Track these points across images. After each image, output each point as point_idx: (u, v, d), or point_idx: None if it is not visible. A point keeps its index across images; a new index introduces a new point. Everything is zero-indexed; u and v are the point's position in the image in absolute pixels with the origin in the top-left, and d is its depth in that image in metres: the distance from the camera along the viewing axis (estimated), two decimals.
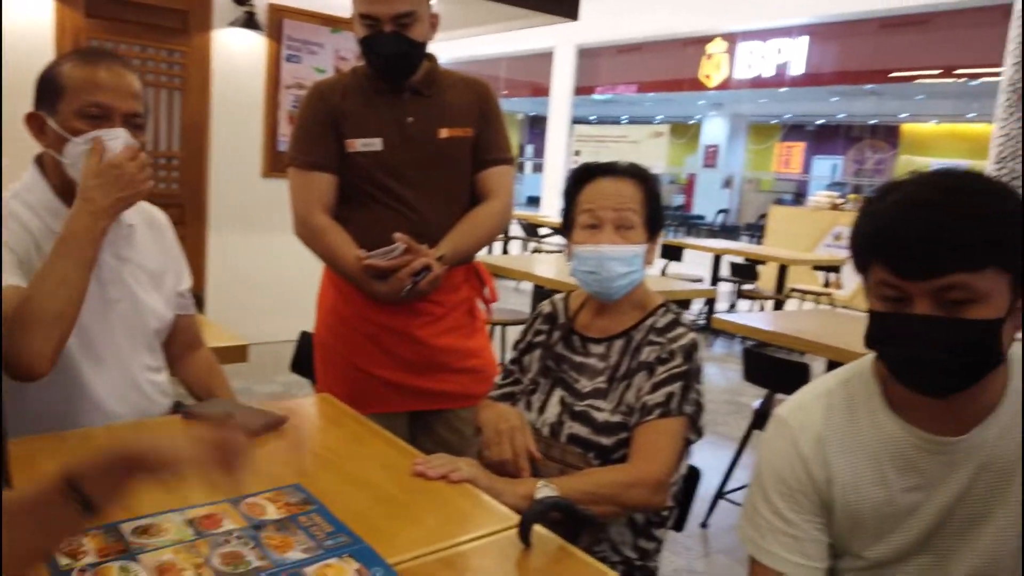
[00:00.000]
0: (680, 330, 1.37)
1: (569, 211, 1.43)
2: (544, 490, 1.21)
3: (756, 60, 13.28)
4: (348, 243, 1.69)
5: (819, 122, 18.48)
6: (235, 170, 4.54)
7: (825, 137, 18.81)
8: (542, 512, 1.02)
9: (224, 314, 4.23)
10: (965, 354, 0.86)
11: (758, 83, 13.41)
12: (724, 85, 13.88)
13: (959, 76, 11.02)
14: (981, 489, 0.94)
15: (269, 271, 4.60)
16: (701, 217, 17.67)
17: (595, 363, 1.42)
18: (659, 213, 1.42)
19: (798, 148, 19.02)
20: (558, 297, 1.57)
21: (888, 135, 17.42)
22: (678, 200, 20.01)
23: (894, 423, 0.97)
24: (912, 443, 0.96)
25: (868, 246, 0.91)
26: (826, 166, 18.48)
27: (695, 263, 7.00)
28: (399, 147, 1.71)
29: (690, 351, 1.34)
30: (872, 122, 17.29)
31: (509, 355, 1.56)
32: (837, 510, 1.01)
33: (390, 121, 1.72)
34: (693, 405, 1.33)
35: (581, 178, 1.43)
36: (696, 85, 14.18)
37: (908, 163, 16.84)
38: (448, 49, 16.86)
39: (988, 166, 10.21)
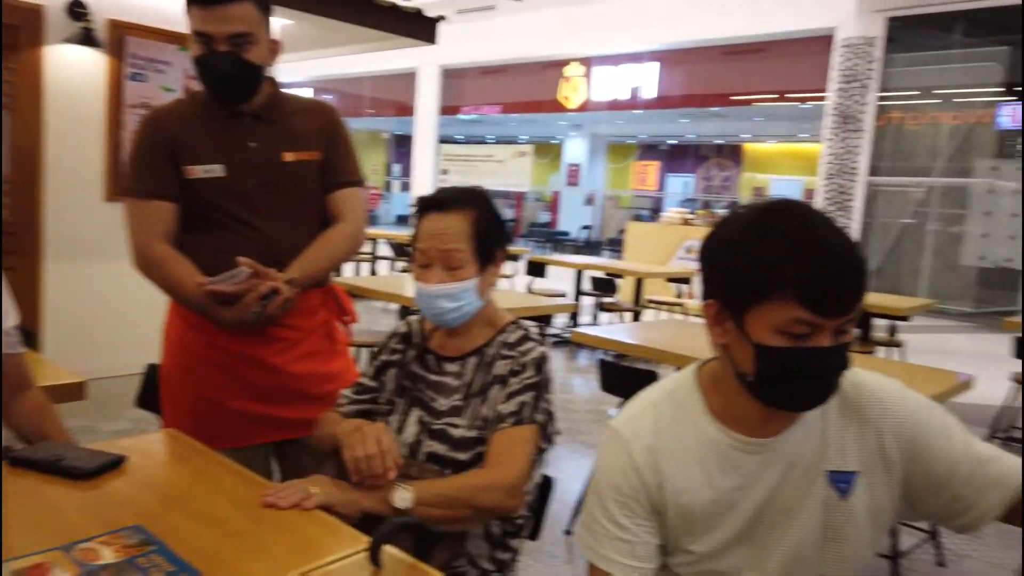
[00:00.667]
0: (530, 344, 1.43)
1: (412, 243, 1.46)
2: (400, 492, 1.23)
3: (611, 84, 13.93)
4: (189, 271, 1.64)
5: (671, 142, 19.59)
6: (73, 195, 4.25)
7: (677, 156, 19.97)
8: (391, 533, 1.04)
9: (64, 349, 3.93)
10: (838, 375, 0.99)
11: (614, 105, 14.07)
12: (583, 107, 14.45)
13: (791, 100, 12.03)
14: (790, 483, 1.05)
15: (114, 301, 4.32)
16: (566, 233, 18.22)
17: (450, 381, 1.46)
18: (490, 238, 1.43)
19: (653, 166, 20.07)
20: (414, 318, 1.60)
21: (732, 154, 18.75)
22: (544, 217, 20.53)
23: (716, 429, 1.07)
24: (733, 446, 1.06)
25: (780, 285, 0.93)
26: (679, 183, 19.60)
27: (560, 278, 7.22)
28: (242, 172, 1.68)
29: (540, 363, 1.41)
30: (718, 142, 18.54)
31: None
32: (670, 512, 1.09)
33: (231, 146, 1.68)
34: (544, 414, 1.39)
35: (419, 211, 1.45)
36: (556, 107, 14.67)
37: (751, 180, 18.17)
38: (309, 68, 16.54)
39: (818, 181, 11.18)
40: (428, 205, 1.43)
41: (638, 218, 16.37)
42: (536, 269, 6.59)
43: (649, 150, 20.35)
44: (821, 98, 10.97)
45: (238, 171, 1.68)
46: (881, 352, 4.98)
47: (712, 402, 1.09)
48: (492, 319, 1.49)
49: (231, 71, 1.61)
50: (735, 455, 1.06)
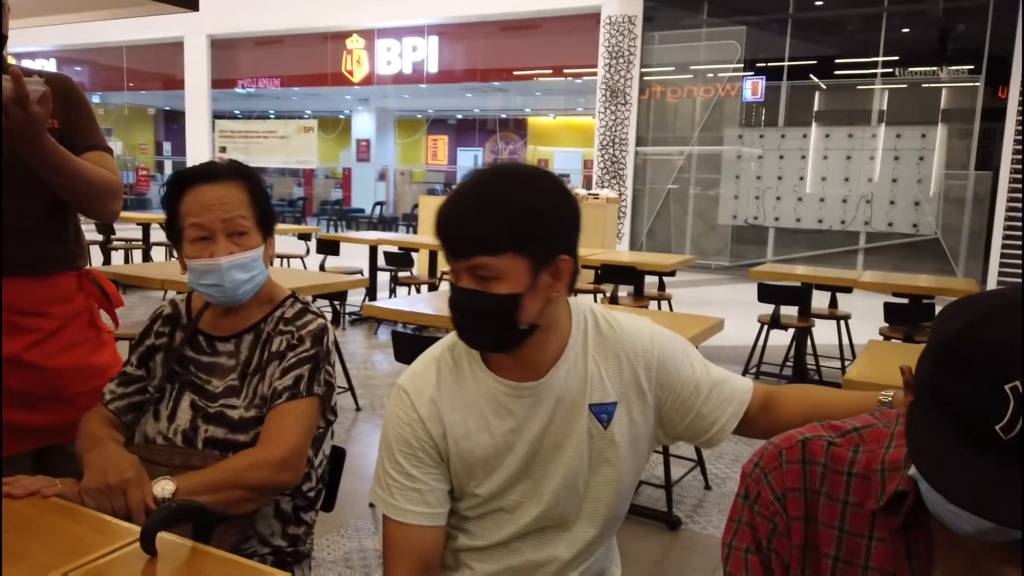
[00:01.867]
0: (308, 317, 1.41)
1: (173, 222, 1.37)
2: (160, 483, 1.18)
3: (394, 57, 13.80)
4: None
5: (459, 116, 19.85)
6: None
7: (465, 130, 20.30)
8: (164, 519, 1.00)
9: None
10: (492, 318, 1.06)
11: (399, 79, 13.96)
12: (367, 80, 14.19)
13: (567, 75, 12.67)
14: (558, 420, 1.15)
15: None
16: (361, 210, 17.90)
17: (225, 361, 1.40)
18: (269, 209, 1.42)
19: (442, 141, 20.25)
20: (179, 297, 1.52)
21: (518, 128, 19.41)
22: (336, 194, 20.00)
23: (489, 378, 1.15)
24: (504, 392, 1.14)
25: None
26: (469, 157, 19.95)
27: (355, 255, 7.11)
28: None
29: (319, 335, 1.39)
30: (503, 116, 19.08)
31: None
32: (453, 458, 1.16)
33: None
34: (324, 386, 1.37)
35: (179, 186, 1.36)
36: (340, 80, 14.27)
37: (535, 152, 18.95)
38: (49, 36, 14.68)
39: (594, 152, 11.90)
40: (192, 178, 1.36)
41: (432, 192, 16.47)
42: (328, 247, 6.44)
43: (438, 124, 20.49)
44: (593, 73, 11.68)
45: None
46: (653, 305, 5.47)
47: (486, 354, 1.17)
48: (269, 295, 1.45)
49: None
50: (507, 400, 1.14)
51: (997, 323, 0.67)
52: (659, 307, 5.63)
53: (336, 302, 4.97)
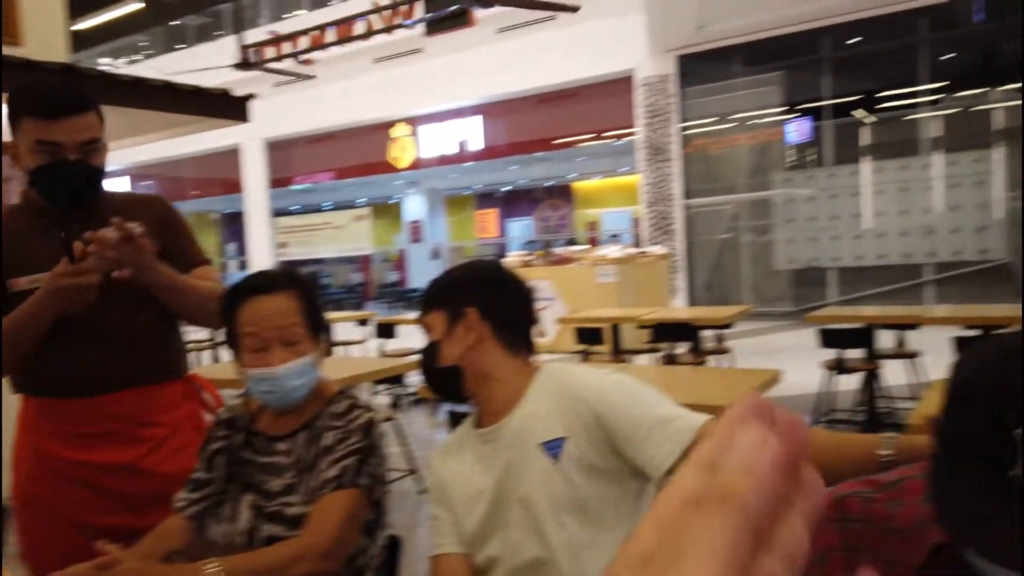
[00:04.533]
0: (357, 412, 1.46)
1: (232, 332, 1.45)
2: (208, 569, 1.23)
3: (438, 139, 14.27)
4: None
5: (506, 188, 20.25)
6: None
7: (513, 201, 20.65)
8: None
9: None
10: (426, 365, 1.38)
11: (445, 160, 14.41)
12: (415, 165, 14.68)
13: (607, 138, 12.86)
14: (517, 460, 1.29)
15: None
16: (416, 290, 18.23)
17: (282, 460, 1.45)
18: (319, 313, 1.49)
19: (492, 214, 20.63)
20: (235, 402, 1.59)
21: (563, 194, 19.64)
22: (392, 277, 20.45)
23: (469, 429, 1.40)
24: (476, 438, 1.37)
25: None
26: (519, 227, 20.24)
27: (413, 336, 7.21)
28: None
29: (367, 428, 1.43)
30: (549, 184, 19.37)
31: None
32: (450, 506, 1.36)
33: (58, 253, 1.57)
34: (369, 478, 1.40)
35: (235, 298, 1.45)
36: (388, 167, 14.81)
37: (583, 215, 19.10)
38: (121, 157, 15.72)
39: (642, 210, 11.93)
40: (248, 290, 1.44)
41: None
42: (385, 330, 6.59)
43: (486, 198, 20.91)
44: (632, 133, 11.83)
45: None
46: (712, 360, 5.37)
47: (476, 410, 1.39)
48: (321, 392, 1.51)
49: (86, 180, 1.60)
50: (478, 446, 1.35)
51: (1004, 368, 0.67)
52: (720, 362, 5.53)
53: (391, 385, 5.05)
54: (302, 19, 14.69)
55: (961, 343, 4.02)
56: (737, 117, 11.33)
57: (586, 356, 5.53)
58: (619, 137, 12.55)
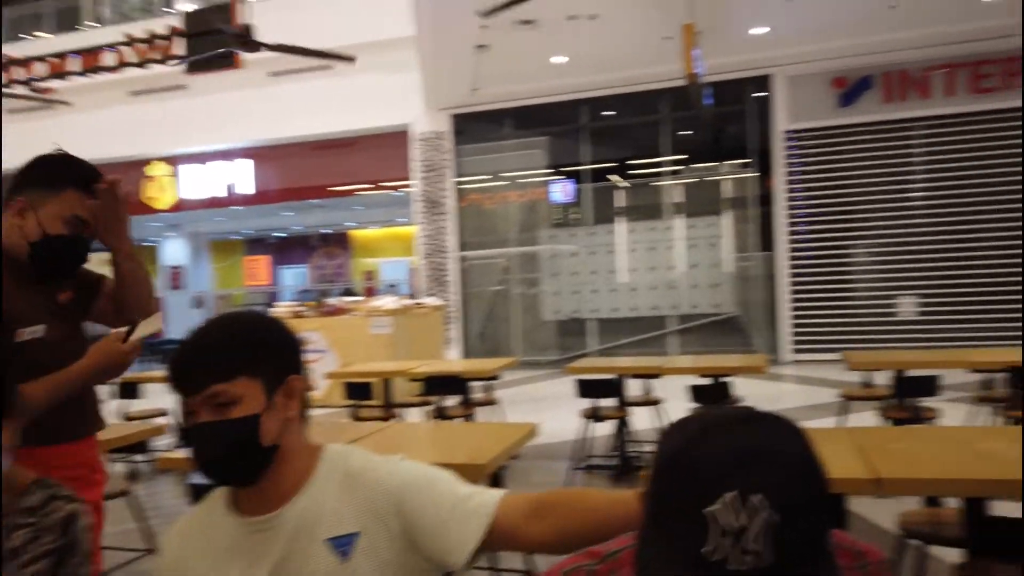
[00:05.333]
0: (55, 504, 1.27)
1: None
2: None
3: (203, 181, 13.43)
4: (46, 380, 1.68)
5: (279, 234, 19.50)
6: None
7: (287, 248, 19.93)
8: None
9: None
10: (236, 443, 1.10)
11: (212, 203, 13.55)
12: (176, 207, 13.65)
13: (385, 188, 12.90)
14: (294, 555, 1.12)
15: None
16: (173, 341, 16.80)
17: None
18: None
19: (263, 260, 19.72)
20: None
21: (340, 242, 19.34)
22: None
23: (227, 518, 1.17)
24: (242, 531, 1.15)
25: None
26: (292, 274, 19.53)
27: (159, 395, 6.56)
28: (57, 329, 1.76)
29: (67, 523, 1.25)
30: (325, 231, 18.98)
31: None
32: None
33: (47, 308, 1.77)
34: None
35: None
36: (144, 208, 13.62)
37: (361, 264, 18.90)
38: None
39: (418, 261, 12.07)
40: None
41: None
42: (129, 390, 5.88)
43: (257, 244, 19.96)
44: (408, 185, 11.98)
45: (53, 328, 1.76)
46: (481, 412, 5.48)
47: (229, 492, 1.19)
48: (10, 483, 1.29)
49: (82, 252, 1.80)
50: (240, 536, 1.14)
51: (699, 446, 0.71)
52: (491, 414, 5.66)
53: (128, 453, 4.53)
54: (46, 43, 13.20)
55: (696, 390, 4.48)
56: (508, 175, 11.93)
57: (356, 410, 5.39)
58: (396, 188, 12.65)
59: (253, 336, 1.15)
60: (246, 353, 1.13)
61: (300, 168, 13.08)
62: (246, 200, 13.44)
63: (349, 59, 8.02)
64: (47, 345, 1.73)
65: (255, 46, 6.07)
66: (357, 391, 5.29)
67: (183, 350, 1.13)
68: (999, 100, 9.38)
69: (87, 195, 1.75)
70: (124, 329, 1.73)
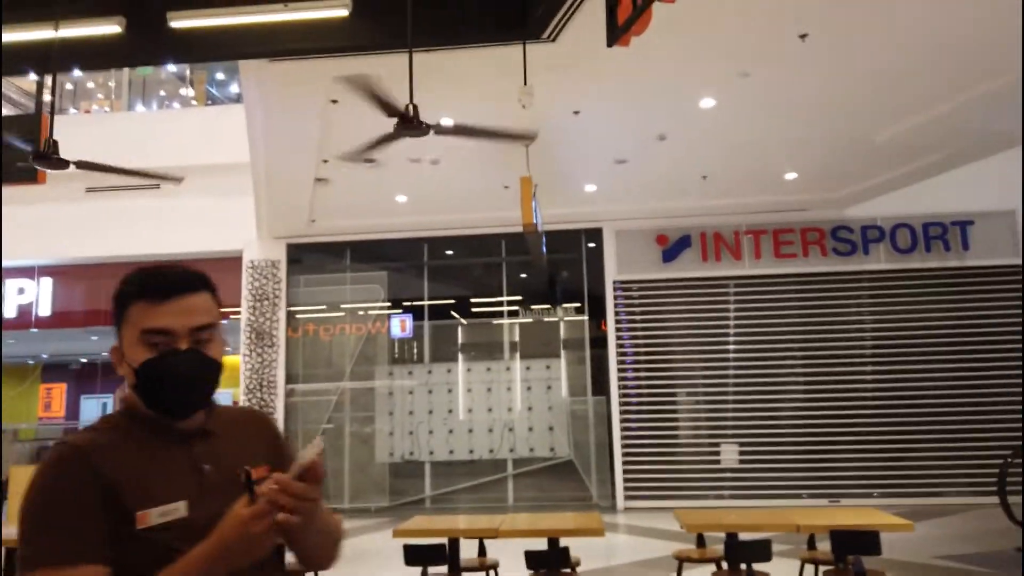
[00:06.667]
0: None
1: None
2: None
3: None
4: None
5: (82, 360, 17.59)
6: None
7: (90, 376, 17.96)
8: None
9: None
10: None
11: (4, 325, 12.02)
12: None
13: None
14: None
15: None
16: None
17: None
18: None
19: (60, 389, 17.59)
20: None
21: None
22: None
23: None
24: None
25: None
26: (95, 405, 17.52)
27: None
28: (204, 507, 1.26)
29: None
30: None
31: None
32: None
33: (186, 476, 1.31)
34: None
35: None
36: None
37: None
38: None
39: (241, 395, 11.18)
40: None
41: (40, 454, 13.82)
42: None
43: (55, 370, 17.83)
44: (237, 314, 11.25)
45: (200, 506, 1.27)
46: None
47: None
48: None
49: (199, 372, 1.33)
50: None
51: None
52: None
53: None
54: None
55: (531, 557, 4.20)
56: (346, 308, 11.54)
57: None
58: (224, 316, 11.82)
59: None
60: None
61: (109, 289, 11.96)
62: (43, 323, 12.06)
63: (176, 179, 7.55)
64: (186, 529, 1.23)
65: (61, 163, 5.51)
66: None
67: None
68: (798, 265, 10.46)
69: (153, 301, 1.32)
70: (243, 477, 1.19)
